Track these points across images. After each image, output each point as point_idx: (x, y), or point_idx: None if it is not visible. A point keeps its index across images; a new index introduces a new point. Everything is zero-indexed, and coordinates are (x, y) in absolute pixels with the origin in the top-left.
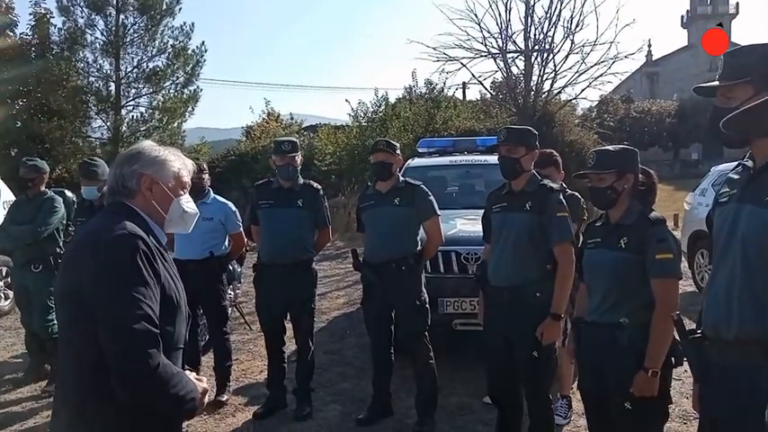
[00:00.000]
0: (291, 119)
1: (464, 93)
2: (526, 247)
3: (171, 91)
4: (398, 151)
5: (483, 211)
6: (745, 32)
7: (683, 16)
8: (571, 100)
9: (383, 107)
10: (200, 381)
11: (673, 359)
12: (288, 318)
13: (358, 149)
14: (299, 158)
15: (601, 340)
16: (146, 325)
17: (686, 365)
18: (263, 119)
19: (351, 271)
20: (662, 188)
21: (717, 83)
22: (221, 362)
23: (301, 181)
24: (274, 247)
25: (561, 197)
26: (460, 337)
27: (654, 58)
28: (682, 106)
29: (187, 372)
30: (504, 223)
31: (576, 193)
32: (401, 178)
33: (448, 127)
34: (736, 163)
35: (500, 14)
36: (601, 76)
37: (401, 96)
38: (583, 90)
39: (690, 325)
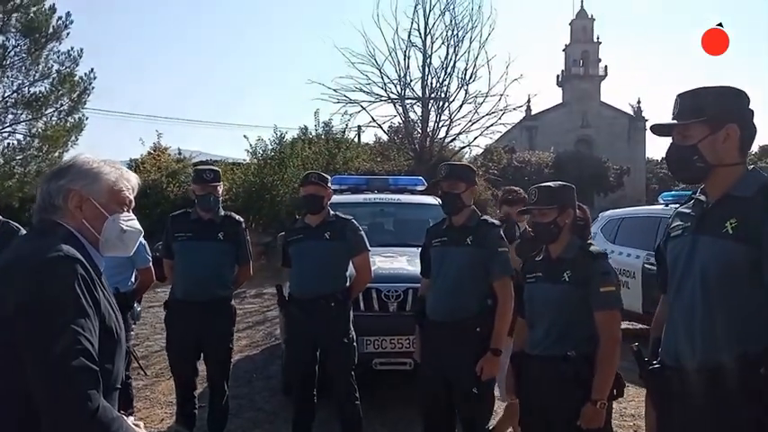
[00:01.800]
0: (179, 154)
1: (359, 136)
2: (466, 281)
3: (53, 118)
4: (330, 184)
5: (396, 248)
6: (612, 94)
7: (558, 75)
8: (464, 147)
9: (279, 145)
10: (138, 426)
11: (614, 390)
12: (201, 359)
13: (255, 186)
14: (221, 188)
15: (545, 373)
16: (84, 362)
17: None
18: (150, 153)
19: (251, 311)
20: None
21: (674, 122)
22: (123, 409)
23: (222, 213)
24: (192, 282)
25: (501, 232)
26: (378, 377)
27: (533, 113)
28: (558, 158)
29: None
30: (445, 258)
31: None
32: (331, 212)
33: (348, 168)
34: (687, 197)
35: (399, 62)
36: (492, 125)
37: (296, 136)
38: (475, 138)
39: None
